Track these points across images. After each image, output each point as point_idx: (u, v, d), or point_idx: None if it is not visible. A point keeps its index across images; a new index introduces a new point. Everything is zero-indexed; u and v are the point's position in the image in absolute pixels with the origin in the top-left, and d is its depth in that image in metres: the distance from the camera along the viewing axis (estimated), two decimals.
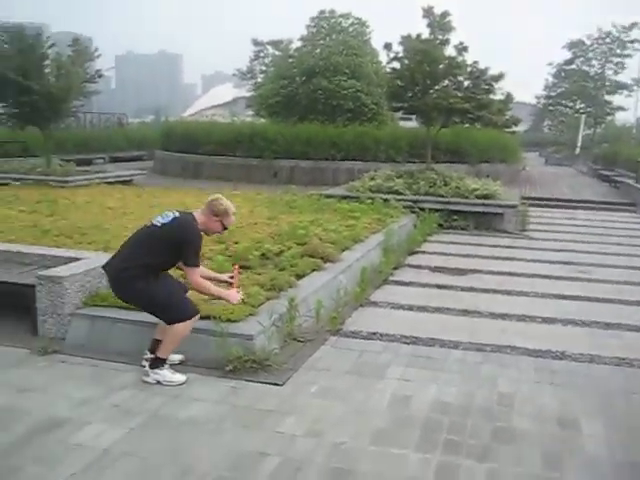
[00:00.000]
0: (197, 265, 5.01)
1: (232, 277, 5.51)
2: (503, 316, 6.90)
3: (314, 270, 7.61)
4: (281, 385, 4.94)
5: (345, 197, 13.47)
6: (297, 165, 20.96)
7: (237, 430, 4.19)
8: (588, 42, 51.31)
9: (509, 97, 33.58)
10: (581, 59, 52.21)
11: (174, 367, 5.08)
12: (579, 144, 43.34)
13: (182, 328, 4.91)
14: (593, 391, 4.96)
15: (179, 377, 4.95)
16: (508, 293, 7.89)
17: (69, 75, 17.44)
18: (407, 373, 5.25)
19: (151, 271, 4.90)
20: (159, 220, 4.98)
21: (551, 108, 55.97)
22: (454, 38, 14.38)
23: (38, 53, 17.07)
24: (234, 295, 5.26)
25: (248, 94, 34.45)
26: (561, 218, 15.12)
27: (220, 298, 5.33)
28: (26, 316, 6.16)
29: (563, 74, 53.11)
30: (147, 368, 4.98)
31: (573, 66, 52.71)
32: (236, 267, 5.74)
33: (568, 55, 52.92)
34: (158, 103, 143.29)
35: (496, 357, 5.67)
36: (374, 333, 6.24)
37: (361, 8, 39.90)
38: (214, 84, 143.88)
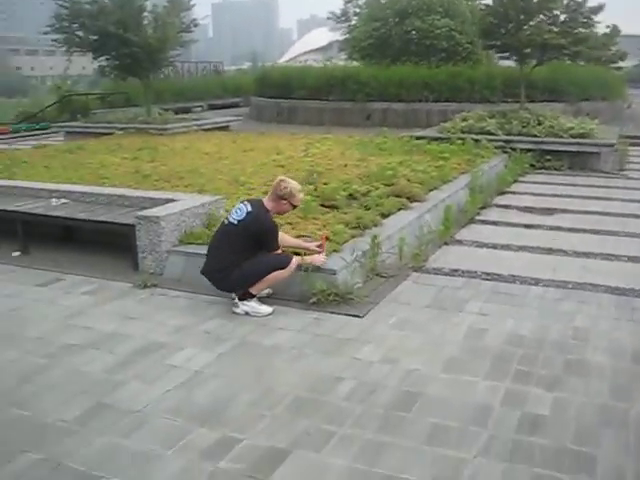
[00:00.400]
0: (278, 248, 5.44)
1: (320, 246, 5.76)
2: (588, 254, 6.86)
3: (400, 209, 7.78)
4: (361, 317, 5.20)
5: (436, 139, 13.39)
6: (390, 107, 20.84)
7: (317, 356, 4.49)
8: None
9: (615, 30, 31.92)
10: None
11: (261, 300, 5.42)
12: None
13: (279, 275, 5.26)
14: None
15: (266, 308, 5.28)
16: (596, 232, 7.79)
17: (165, 26, 17.93)
18: (485, 308, 5.39)
19: (240, 261, 5.22)
20: (234, 217, 5.32)
21: None
22: None
23: (136, 6, 17.60)
24: (318, 258, 5.55)
25: (343, 37, 34.19)
26: None
27: (306, 249, 5.68)
28: (128, 253, 6.67)
29: None
30: (236, 300, 5.34)
31: None
32: (324, 236, 5.97)
33: None
34: (254, 49, 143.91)
35: (576, 294, 5.70)
36: (456, 270, 6.38)
37: None
38: (310, 28, 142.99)
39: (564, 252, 6.98)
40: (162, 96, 25.25)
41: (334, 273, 5.60)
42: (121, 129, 17.02)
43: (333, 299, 5.42)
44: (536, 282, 6.00)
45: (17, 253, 7.21)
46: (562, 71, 19.40)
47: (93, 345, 4.73)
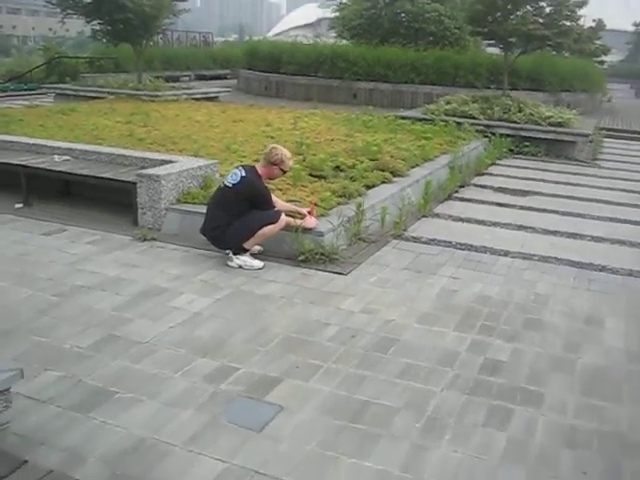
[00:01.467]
0: (270, 207, 5.89)
1: (310, 212, 6.25)
2: (555, 232, 7.43)
3: (383, 182, 8.28)
4: (345, 274, 5.71)
5: (420, 119, 13.87)
6: (376, 87, 21.28)
7: (305, 304, 5.00)
8: None
9: (600, 24, 32.45)
10: None
11: (253, 256, 5.90)
12: None
13: (269, 230, 5.75)
14: (623, 298, 5.53)
15: (258, 263, 5.77)
16: (565, 214, 8.36)
17: None
18: (457, 272, 5.92)
19: (234, 220, 5.72)
20: (229, 181, 5.81)
21: None
22: None
23: None
24: (310, 221, 6.07)
25: (332, 15, 34.41)
26: (636, 150, 15.10)
27: (297, 212, 6.17)
28: (126, 209, 7.10)
29: None
30: (230, 254, 5.82)
31: None
32: (313, 203, 6.46)
33: None
34: (242, 22, 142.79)
35: (541, 265, 6.26)
36: (432, 239, 6.91)
37: None
38: (298, 4, 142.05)
39: (533, 229, 7.54)
40: (151, 63, 25.45)
41: (321, 235, 6.09)
42: (112, 94, 17.29)
43: (320, 258, 5.92)
44: (505, 253, 6.55)
45: (20, 205, 7.60)
46: (545, 62, 19.97)
47: (100, 287, 5.19)
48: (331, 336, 4.48)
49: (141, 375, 3.86)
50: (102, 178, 7.11)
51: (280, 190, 7.17)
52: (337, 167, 8.61)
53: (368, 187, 7.87)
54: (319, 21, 78.04)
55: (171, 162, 7.44)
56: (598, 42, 32.71)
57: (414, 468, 3.11)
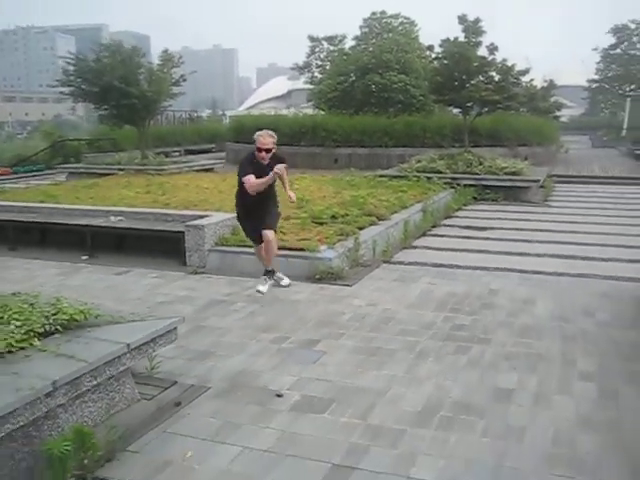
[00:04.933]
0: (245, 174, 6.96)
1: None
2: (507, 253, 9.61)
3: (371, 224, 10.42)
4: (351, 286, 7.81)
5: (395, 176, 16.17)
6: (354, 152, 23.77)
7: (326, 303, 7.08)
8: (633, 26, 52.61)
9: (551, 84, 35.57)
10: (625, 44, 53.50)
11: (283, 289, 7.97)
12: (625, 126, 44.75)
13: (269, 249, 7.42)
14: (551, 289, 7.69)
15: (286, 280, 7.83)
16: (516, 241, 10.55)
17: (159, 80, 20.62)
18: (432, 280, 8.05)
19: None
20: None
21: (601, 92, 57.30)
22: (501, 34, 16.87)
23: (135, 62, 20.28)
24: (291, 194, 7.65)
25: (303, 87, 37.36)
26: (582, 192, 17.48)
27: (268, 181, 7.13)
28: (174, 254, 9.17)
29: (609, 59, 54.52)
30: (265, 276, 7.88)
31: (618, 50, 54.04)
32: (322, 237, 8.63)
33: (613, 40, 54.24)
34: (214, 96, 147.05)
35: (494, 273, 8.42)
36: (413, 262, 9.06)
37: (409, 6, 42.22)
38: (268, 77, 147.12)
39: (490, 252, 9.71)
40: (145, 141, 27.84)
41: (330, 260, 8.20)
42: (121, 170, 19.49)
43: (330, 276, 8.01)
44: (468, 267, 8.70)
45: (85, 257, 9.64)
46: (502, 121, 22.62)
47: (176, 301, 7.23)
48: (348, 318, 6.56)
49: (227, 343, 5.89)
50: (158, 230, 9.21)
51: (293, 233, 9.30)
52: (333, 216, 10.74)
53: (360, 228, 9.99)
54: (290, 93, 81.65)
55: (205, 216, 9.56)
56: (552, 99, 35.82)
57: (411, 373, 5.16)
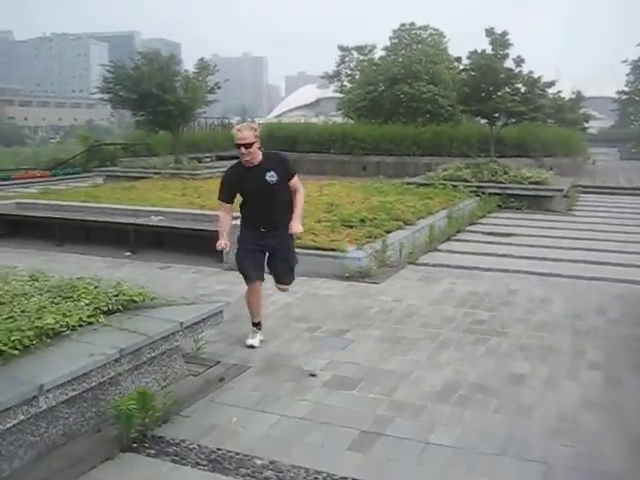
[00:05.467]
0: (221, 195, 6.06)
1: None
2: (527, 257, 10.06)
3: (398, 229, 10.92)
4: (378, 284, 8.32)
5: (422, 184, 16.65)
6: (383, 160, 24.30)
7: (355, 298, 7.61)
8: None
9: (579, 96, 35.75)
10: None
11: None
12: None
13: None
14: (568, 290, 8.14)
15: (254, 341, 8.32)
16: (537, 246, 10.98)
17: (195, 88, 21.36)
18: (454, 281, 8.54)
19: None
20: None
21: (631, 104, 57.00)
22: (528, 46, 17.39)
23: (172, 70, 21.04)
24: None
25: (332, 95, 37.97)
26: (606, 202, 17.82)
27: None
28: (210, 252, 9.73)
29: (638, 70, 54.31)
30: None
31: None
32: (351, 239, 9.11)
33: None
34: (243, 104, 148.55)
35: (514, 275, 8.88)
36: (437, 264, 9.55)
37: (437, 18, 42.78)
38: (297, 85, 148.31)
39: (512, 256, 10.17)
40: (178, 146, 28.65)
41: (359, 260, 8.72)
42: (156, 173, 20.22)
43: (359, 275, 8.53)
44: (489, 270, 9.17)
45: (128, 253, 10.26)
46: (528, 132, 22.99)
47: (216, 294, 7.80)
48: (375, 312, 7.07)
49: (264, 330, 6.39)
50: (198, 230, 9.81)
51: (324, 234, 9.82)
52: (362, 219, 11.26)
53: (387, 231, 10.50)
54: (318, 101, 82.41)
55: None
56: (582, 111, 36.04)
57: (432, 359, 5.66)
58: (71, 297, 4.82)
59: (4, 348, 3.94)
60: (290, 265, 6.30)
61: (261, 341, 6.10)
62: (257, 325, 6.19)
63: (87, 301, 4.75)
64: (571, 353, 5.87)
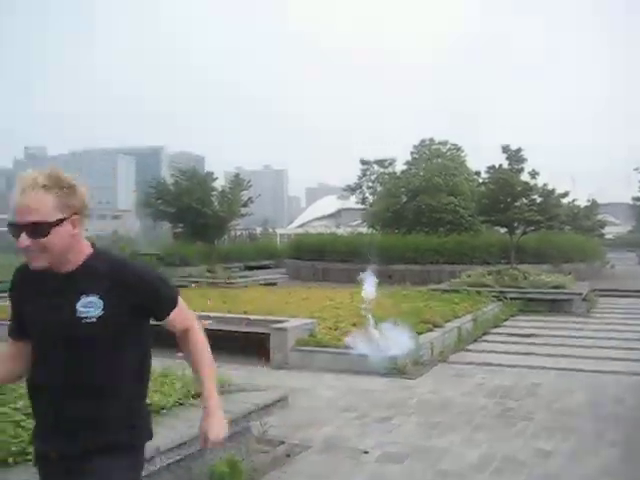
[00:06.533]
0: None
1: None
2: (549, 355, 10.88)
3: (428, 331, 11.83)
4: (414, 379, 9.19)
5: (447, 290, 17.64)
6: (408, 269, 25.38)
7: (394, 392, 8.47)
8: None
9: (594, 204, 37.07)
10: None
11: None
12: None
13: None
14: (588, 382, 8.94)
15: None
16: (557, 345, 11.81)
17: (230, 202, 22.89)
18: (484, 376, 9.38)
19: None
20: None
21: None
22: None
23: (209, 186, 22.66)
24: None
25: (353, 206, 39.67)
26: (624, 305, 18.57)
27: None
28: (258, 353, 10.69)
29: None
30: None
31: None
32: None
33: None
34: (264, 214, 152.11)
35: (536, 371, 9.70)
36: (466, 362, 10.40)
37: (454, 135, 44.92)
38: (317, 196, 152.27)
39: (534, 354, 10.99)
40: (210, 257, 30.06)
41: (396, 358, 9.62)
42: (194, 282, 21.40)
43: (396, 371, 9.41)
44: (514, 366, 10.01)
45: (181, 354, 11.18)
46: (547, 240, 24.11)
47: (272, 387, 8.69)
48: (414, 402, 7.94)
49: (318, 418, 7.27)
50: (248, 332, 10.79)
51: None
52: (394, 322, 12.22)
53: (419, 333, 11.42)
54: (339, 212, 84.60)
55: (285, 321, 11.12)
56: (598, 217, 37.30)
57: (468, 439, 6.48)
58: (166, 382, 5.78)
59: None
60: None
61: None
62: None
63: (180, 385, 5.71)
64: (592, 434, 6.67)
